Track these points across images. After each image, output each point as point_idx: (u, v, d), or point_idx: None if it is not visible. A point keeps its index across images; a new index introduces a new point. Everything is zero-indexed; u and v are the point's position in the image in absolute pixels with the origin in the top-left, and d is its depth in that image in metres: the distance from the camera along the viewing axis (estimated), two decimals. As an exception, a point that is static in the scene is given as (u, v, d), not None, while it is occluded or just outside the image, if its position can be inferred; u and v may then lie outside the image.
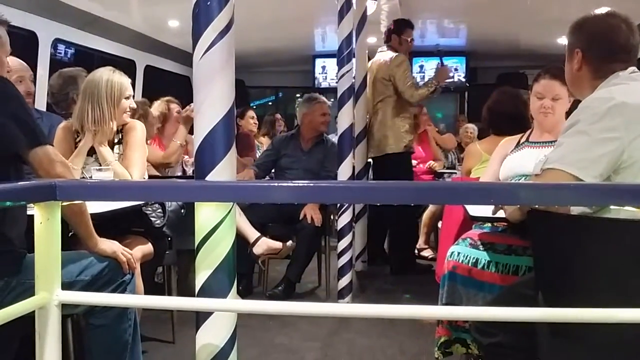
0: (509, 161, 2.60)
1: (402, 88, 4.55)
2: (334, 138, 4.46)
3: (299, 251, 3.94)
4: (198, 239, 1.55)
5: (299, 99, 4.57)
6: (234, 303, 1.57)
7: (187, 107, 4.03)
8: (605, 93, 1.72)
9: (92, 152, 2.76)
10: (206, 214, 1.53)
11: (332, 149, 4.23)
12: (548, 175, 1.67)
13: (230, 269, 1.58)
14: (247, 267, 3.96)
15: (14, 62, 3.19)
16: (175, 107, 4.35)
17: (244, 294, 3.89)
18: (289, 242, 3.79)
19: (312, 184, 1.30)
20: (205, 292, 1.55)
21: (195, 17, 1.58)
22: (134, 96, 2.91)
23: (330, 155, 4.20)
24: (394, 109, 4.61)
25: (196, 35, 1.58)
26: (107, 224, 2.15)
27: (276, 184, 1.30)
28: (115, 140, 2.82)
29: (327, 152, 4.27)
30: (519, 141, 2.68)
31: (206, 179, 1.59)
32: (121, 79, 2.77)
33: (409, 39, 4.76)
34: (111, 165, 2.66)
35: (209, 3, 1.55)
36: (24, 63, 3.35)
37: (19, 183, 1.34)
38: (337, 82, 3.95)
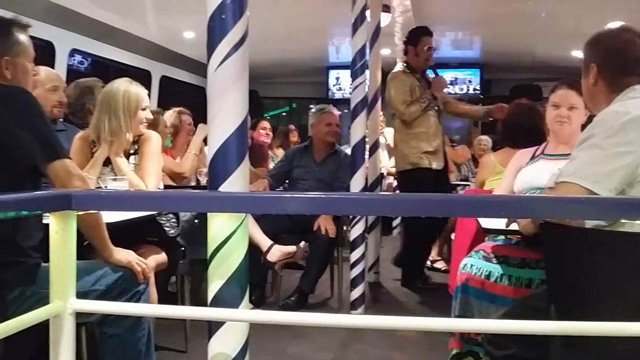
0: (524, 174, 2.59)
1: (395, 107, 4.47)
2: (347, 149, 4.46)
3: (312, 262, 3.95)
4: (211, 249, 1.56)
5: (312, 110, 4.56)
6: (246, 313, 1.58)
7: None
8: (621, 107, 1.72)
9: (108, 162, 2.79)
10: (219, 225, 1.54)
11: (345, 160, 4.23)
12: (562, 189, 1.67)
13: (242, 279, 1.58)
14: (260, 277, 3.96)
15: (48, 72, 3.27)
16: (187, 118, 4.38)
17: (256, 304, 3.89)
18: (302, 243, 3.80)
19: (323, 196, 1.31)
20: (217, 301, 1.56)
21: (210, 30, 1.60)
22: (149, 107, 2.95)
23: (343, 167, 4.20)
24: (401, 125, 4.53)
25: (211, 48, 1.60)
26: (122, 233, 2.17)
27: (288, 195, 1.32)
28: (131, 151, 2.84)
29: (340, 163, 4.27)
30: (534, 154, 2.67)
31: (219, 189, 1.61)
32: (138, 90, 2.80)
33: (425, 48, 4.53)
34: (126, 176, 2.69)
35: (223, 16, 1.57)
36: (57, 73, 3.41)
37: (35, 192, 1.36)
38: (350, 94, 3.96)
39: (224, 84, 1.61)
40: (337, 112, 4.51)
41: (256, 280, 3.92)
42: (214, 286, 1.57)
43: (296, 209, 1.35)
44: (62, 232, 1.33)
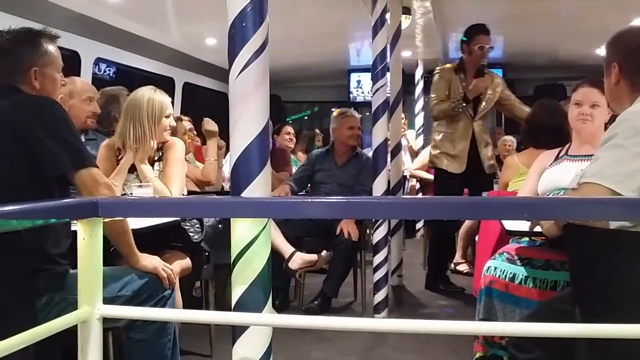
0: (548, 175, 2.57)
1: (430, 102, 4.51)
2: (369, 152, 4.47)
3: (335, 266, 3.95)
4: (234, 254, 1.57)
5: (333, 115, 4.56)
6: (269, 317, 1.59)
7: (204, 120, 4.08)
8: None
9: (133, 169, 2.83)
10: (242, 230, 1.56)
11: (366, 163, 4.23)
12: (585, 190, 1.65)
13: (265, 284, 1.60)
14: (283, 281, 3.97)
15: (84, 83, 3.35)
16: (185, 124, 4.40)
17: (280, 308, 3.91)
18: (324, 252, 3.81)
19: (345, 200, 1.32)
20: (241, 306, 1.58)
21: (231, 38, 1.62)
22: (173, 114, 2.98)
23: (365, 170, 4.20)
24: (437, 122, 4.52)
25: (232, 55, 1.62)
26: (147, 239, 2.20)
27: (309, 200, 1.32)
28: (156, 158, 2.88)
29: (362, 167, 4.27)
30: (557, 154, 2.65)
31: (242, 194, 1.62)
32: (162, 98, 2.84)
33: (477, 47, 4.29)
34: (151, 182, 2.72)
35: (244, 24, 1.59)
36: (91, 84, 3.48)
37: (63, 200, 1.39)
38: (371, 97, 3.96)
39: (245, 91, 1.63)
40: (358, 115, 4.52)
41: (279, 284, 3.94)
42: (237, 290, 1.59)
43: (318, 213, 1.36)
44: (89, 238, 1.35)
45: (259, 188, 1.62)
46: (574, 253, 1.77)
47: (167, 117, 2.83)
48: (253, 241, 1.55)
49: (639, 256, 1.56)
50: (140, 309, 1.94)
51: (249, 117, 1.62)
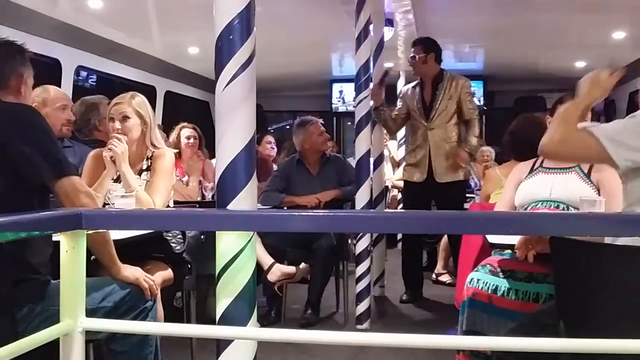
0: (524, 188, 2.60)
1: None
2: (352, 162, 4.48)
3: (316, 272, 3.95)
4: (219, 267, 1.56)
5: (295, 126, 4.50)
6: (255, 331, 1.58)
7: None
8: None
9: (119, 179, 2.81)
10: (227, 243, 1.55)
11: (341, 163, 4.31)
12: (582, 133, 1.76)
13: (250, 297, 1.59)
14: (275, 293, 3.94)
15: (57, 91, 3.33)
16: (185, 132, 4.45)
17: (275, 320, 3.91)
18: (302, 265, 3.81)
19: (330, 214, 1.33)
20: (226, 319, 1.56)
21: (218, 50, 1.62)
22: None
23: (343, 170, 4.25)
24: None
25: (219, 67, 1.62)
26: (128, 250, 2.18)
27: (295, 214, 1.33)
28: (144, 167, 2.84)
29: (338, 168, 4.28)
30: (532, 166, 2.68)
31: (228, 207, 1.62)
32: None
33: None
34: (135, 192, 2.69)
35: (231, 37, 1.59)
36: (65, 92, 3.46)
37: (46, 213, 1.37)
38: (354, 107, 3.98)
39: (232, 103, 1.62)
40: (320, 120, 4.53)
41: (272, 295, 3.94)
42: (222, 304, 1.58)
43: (304, 227, 1.37)
44: (72, 251, 1.34)
45: (245, 201, 1.61)
46: (559, 266, 1.79)
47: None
48: (238, 254, 1.55)
49: (621, 269, 1.58)
50: (123, 322, 1.92)
51: (235, 129, 1.62)
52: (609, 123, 1.77)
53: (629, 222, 1.31)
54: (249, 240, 1.56)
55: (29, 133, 1.84)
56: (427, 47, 4.50)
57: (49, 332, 1.32)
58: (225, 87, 1.61)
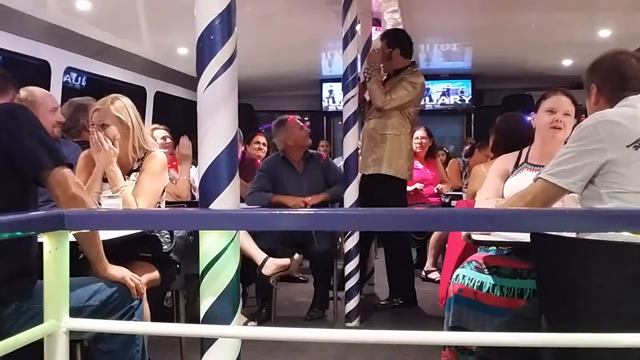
0: (510, 184, 2.61)
1: None
2: (339, 162, 4.49)
3: (318, 279, 4.05)
4: (202, 265, 1.58)
5: (274, 126, 4.46)
6: (238, 329, 1.60)
7: (181, 140, 4.11)
8: (601, 112, 1.89)
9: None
10: (210, 242, 1.57)
11: (325, 162, 4.31)
12: (536, 185, 1.92)
13: (234, 296, 1.60)
14: (267, 292, 3.98)
15: (46, 94, 3.34)
16: (160, 133, 4.32)
17: (265, 318, 3.93)
18: (296, 256, 3.82)
19: (314, 212, 1.34)
20: (209, 318, 1.58)
21: (199, 50, 1.64)
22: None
23: (328, 170, 4.26)
24: None
25: (200, 67, 1.63)
26: (114, 249, 2.19)
27: (278, 212, 1.33)
28: (135, 167, 2.83)
29: (324, 168, 4.28)
30: (517, 161, 2.70)
31: (210, 206, 1.63)
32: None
33: None
34: (120, 192, 2.68)
35: (212, 37, 1.60)
36: (51, 94, 3.48)
37: (29, 213, 1.38)
38: (342, 107, 3.99)
39: (213, 103, 1.64)
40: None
41: (264, 295, 3.99)
42: (206, 303, 1.59)
43: (288, 225, 1.37)
44: (55, 251, 1.34)
45: (227, 200, 1.63)
46: (540, 261, 1.81)
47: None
48: (221, 253, 1.56)
49: (602, 265, 1.60)
50: (108, 322, 1.93)
51: (217, 129, 1.63)
52: (554, 158, 1.91)
53: (606, 217, 1.32)
54: (232, 239, 1.58)
55: (28, 127, 1.90)
56: (391, 42, 4.33)
57: (32, 333, 1.32)
58: (207, 87, 1.62)
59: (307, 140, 4.29)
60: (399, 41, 4.33)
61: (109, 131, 2.72)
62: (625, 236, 1.54)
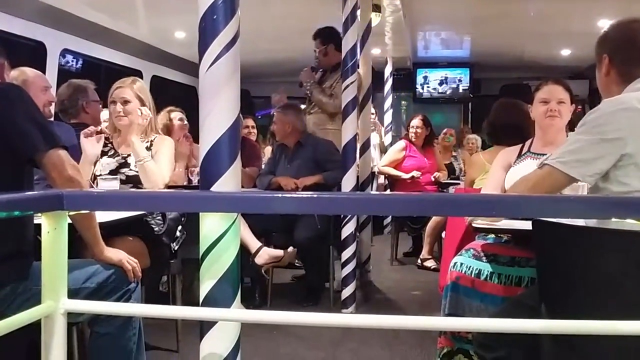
0: (514, 172, 2.61)
1: None
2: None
3: (307, 272, 4.11)
4: (203, 248, 1.56)
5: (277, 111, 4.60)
6: (238, 313, 1.58)
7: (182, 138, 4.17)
8: (619, 97, 1.79)
9: (115, 154, 2.91)
10: (211, 224, 1.55)
11: (315, 145, 4.33)
12: (543, 171, 1.80)
13: (234, 279, 1.59)
14: (262, 279, 3.98)
15: (37, 73, 3.32)
16: (177, 115, 4.40)
17: (260, 304, 3.94)
18: (290, 249, 3.82)
19: (315, 195, 1.32)
20: (209, 301, 1.56)
21: (201, 31, 1.61)
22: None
23: (321, 153, 4.27)
24: None
25: (202, 48, 1.60)
26: (105, 229, 2.17)
27: (279, 195, 1.32)
28: (146, 147, 2.93)
29: (317, 152, 4.29)
30: (520, 151, 2.69)
31: (211, 189, 1.61)
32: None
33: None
34: (144, 162, 2.79)
35: (215, 17, 1.57)
36: (42, 74, 3.46)
37: (27, 193, 1.36)
38: (341, 93, 3.97)
39: (215, 84, 1.61)
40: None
41: (258, 280, 3.98)
42: (205, 286, 1.58)
43: (288, 208, 1.36)
44: (53, 232, 1.32)
45: (228, 182, 1.61)
46: (541, 248, 1.80)
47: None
48: (222, 236, 1.54)
49: (603, 253, 1.59)
50: (106, 303, 1.92)
51: (219, 111, 1.61)
52: (565, 145, 1.80)
53: (610, 204, 1.31)
54: (233, 222, 1.56)
55: (22, 107, 1.87)
56: (324, 38, 4.66)
57: (29, 314, 1.31)
58: (209, 68, 1.59)
59: (282, 133, 4.38)
60: (331, 37, 4.64)
61: (131, 106, 2.91)
62: (630, 224, 1.53)
